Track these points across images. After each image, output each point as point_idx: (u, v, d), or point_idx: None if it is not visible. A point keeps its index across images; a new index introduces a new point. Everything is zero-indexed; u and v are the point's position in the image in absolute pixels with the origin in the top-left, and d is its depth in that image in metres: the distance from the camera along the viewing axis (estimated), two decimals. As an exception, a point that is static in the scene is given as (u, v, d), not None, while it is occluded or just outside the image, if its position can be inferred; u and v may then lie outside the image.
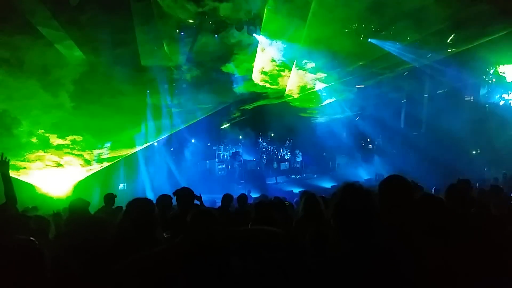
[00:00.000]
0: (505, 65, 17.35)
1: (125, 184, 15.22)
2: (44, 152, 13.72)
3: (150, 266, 2.44)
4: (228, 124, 18.89)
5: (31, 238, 2.62)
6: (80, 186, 13.88)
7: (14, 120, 12.80)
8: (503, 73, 17.55)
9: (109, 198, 6.48)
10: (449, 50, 16.70)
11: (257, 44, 15.51)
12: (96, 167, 14.76)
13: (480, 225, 3.29)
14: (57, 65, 12.93)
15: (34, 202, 9.80)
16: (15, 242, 2.44)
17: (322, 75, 17.18)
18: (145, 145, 16.03)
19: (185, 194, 4.61)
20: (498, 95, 17.84)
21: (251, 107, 17.98)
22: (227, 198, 6.40)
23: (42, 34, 12.10)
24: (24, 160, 13.41)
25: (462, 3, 13.37)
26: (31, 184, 13.32)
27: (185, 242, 2.49)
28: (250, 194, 11.64)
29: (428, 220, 2.66)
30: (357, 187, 2.14)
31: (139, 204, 3.10)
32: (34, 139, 13.39)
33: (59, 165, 14.10)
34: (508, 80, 17.44)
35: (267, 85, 16.99)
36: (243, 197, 6.48)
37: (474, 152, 16.68)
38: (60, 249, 3.16)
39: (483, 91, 18.05)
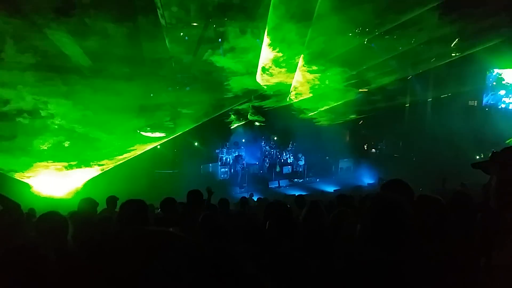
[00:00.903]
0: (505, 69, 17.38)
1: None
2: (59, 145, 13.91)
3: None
4: (235, 126, 18.89)
5: (33, 241, 2.61)
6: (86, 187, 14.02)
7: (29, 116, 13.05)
8: (501, 74, 17.57)
9: (111, 200, 6.48)
10: (452, 54, 16.72)
11: (261, 46, 15.60)
12: (99, 169, 14.83)
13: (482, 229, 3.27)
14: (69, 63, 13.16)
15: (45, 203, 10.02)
16: (17, 246, 2.44)
17: (325, 78, 17.17)
18: (150, 146, 16.10)
19: (195, 196, 4.72)
20: (500, 98, 17.84)
21: (246, 107, 18.02)
22: (224, 202, 6.39)
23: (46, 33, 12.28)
24: (37, 159, 13.60)
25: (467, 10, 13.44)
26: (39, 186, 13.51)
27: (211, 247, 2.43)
28: (253, 198, 11.62)
29: (425, 220, 2.65)
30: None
31: (132, 204, 3.33)
32: (48, 135, 13.59)
33: (70, 166, 14.27)
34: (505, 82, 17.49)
35: (270, 83, 17.02)
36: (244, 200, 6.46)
37: (477, 157, 16.61)
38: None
39: (485, 95, 18.03)
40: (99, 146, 14.60)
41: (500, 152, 2.05)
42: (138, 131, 15.73)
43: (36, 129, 13.39)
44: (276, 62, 16.47)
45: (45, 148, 13.68)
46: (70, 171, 14.26)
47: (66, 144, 14.02)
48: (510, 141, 16.18)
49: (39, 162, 13.69)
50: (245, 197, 6.72)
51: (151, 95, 15.60)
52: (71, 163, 14.28)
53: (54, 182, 14.03)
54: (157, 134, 16.26)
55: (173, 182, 15.11)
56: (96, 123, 13.93)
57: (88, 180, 14.56)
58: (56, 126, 13.77)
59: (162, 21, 13.77)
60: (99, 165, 14.83)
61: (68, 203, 12.07)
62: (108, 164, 14.95)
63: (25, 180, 13.67)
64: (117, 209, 6.39)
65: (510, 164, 1.94)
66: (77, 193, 13.80)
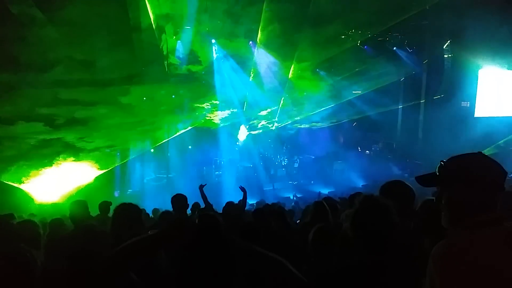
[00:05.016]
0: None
1: (118, 191, 15.14)
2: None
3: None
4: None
5: (21, 246, 2.54)
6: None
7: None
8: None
9: (104, 206, 6.37)
10: (445, 56, 16.80)
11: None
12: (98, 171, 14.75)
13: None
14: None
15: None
16: (4, 250, 2.38)
17: (317, 80, 17.22)
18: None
19: (179, 201, 4.71)
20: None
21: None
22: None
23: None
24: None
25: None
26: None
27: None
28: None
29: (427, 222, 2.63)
30: (376, 200, 2.12)
31: (126, 209, 3.24)
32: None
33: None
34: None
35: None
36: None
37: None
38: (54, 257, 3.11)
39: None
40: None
41: (449, 164, 1.81)
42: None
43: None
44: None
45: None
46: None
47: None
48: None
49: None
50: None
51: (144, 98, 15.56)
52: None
53: (48, 186, 13.93)
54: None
55: (166, 186, 15.07)
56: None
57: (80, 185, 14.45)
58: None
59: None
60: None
61: (61, 207, 12.02)
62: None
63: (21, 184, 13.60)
64: (109, 214, 6.32)
65: (462, 179, 1.69)
66: (70, 197, 13.70)
